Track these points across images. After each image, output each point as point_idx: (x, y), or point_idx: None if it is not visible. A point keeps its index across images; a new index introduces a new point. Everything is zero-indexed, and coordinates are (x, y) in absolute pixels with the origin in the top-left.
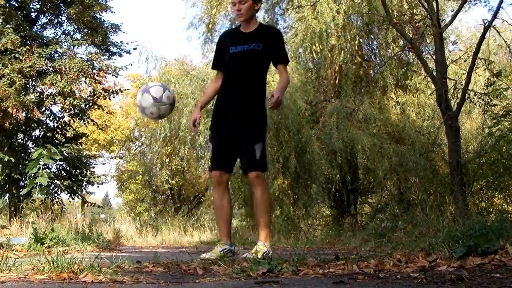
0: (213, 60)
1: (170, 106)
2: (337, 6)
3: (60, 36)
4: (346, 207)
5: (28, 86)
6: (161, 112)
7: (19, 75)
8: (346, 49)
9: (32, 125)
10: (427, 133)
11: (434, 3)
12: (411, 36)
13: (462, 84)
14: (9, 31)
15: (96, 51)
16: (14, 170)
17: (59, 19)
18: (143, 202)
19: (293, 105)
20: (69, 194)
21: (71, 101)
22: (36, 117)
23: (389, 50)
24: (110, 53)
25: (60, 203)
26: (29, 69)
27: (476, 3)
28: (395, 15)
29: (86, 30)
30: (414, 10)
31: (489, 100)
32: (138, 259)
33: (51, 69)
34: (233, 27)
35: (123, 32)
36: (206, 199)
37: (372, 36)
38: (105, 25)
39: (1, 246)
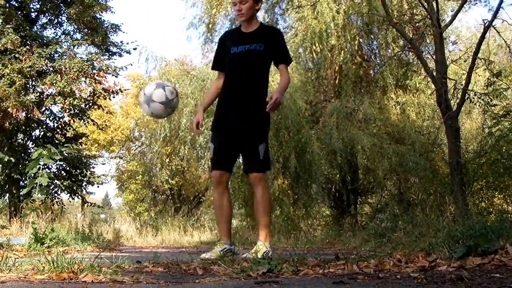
0: (213, 60)
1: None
2: (337, 6)
3: (60, 36)
4: (346, 207)
5: (28, 86)
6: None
7: (19, 75)
8: (346, 49)
9: (32, 125)
10: (427, 133)
11: (434, 3)
12: (411, 36)
13: (462, 84)
14: (9, 31)
15: (96, 51)
16: (14, 170)
17: (59, 19)
18: (143, 202)
19: (293, 105)
20: (69, 194)
21: (71, 101)
22: (36, 117)
23: (389, 50)
24: (110, 53)
25: (60, 203)
26: (29, 69)
27: (476, 3)
28: (395, 15)
29: (86, 30)
30: (414, 10)
31: (489, 100)
32: (138, 259)
33: (51, 69)
34: (233, 27)
35: (123, 32)
36: (206, 199)
37: (372, 36)
38: (105, 25)
39: (1, 246)
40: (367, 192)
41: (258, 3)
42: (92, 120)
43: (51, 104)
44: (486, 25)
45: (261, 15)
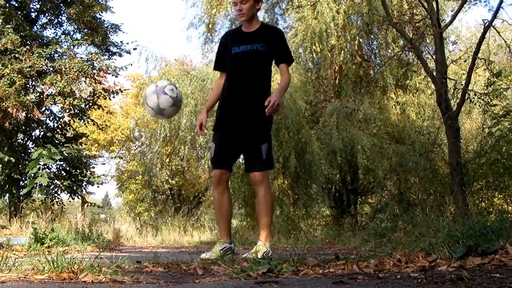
0: (215, 61)
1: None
2: (337, 6)
3: (60, 36)
4: (346, 207)
5: (28, 86)
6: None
7: (19, 75)
8: (346, 49)
9: (32, 125)
10: (427, 133)
11: (434, 3)
12: (411, 36)
13: (462, 84)
14: (9, 31)
15: (96, 51)
16: (14, 170)
17: (59, 19)
18: (143, 202)
19: (293, 105)
20: (69, 194)
21: (71, 101)
22: (36, 117)
23: (389, 50)
24: (110, 53)
25: (60, 203)
26: (29, 69)
27: (476, 3)
28: (395, 15)
29: (86, 30)
30: (414, 10)
31: (489, 100)
32: (138, 259)
33: (51, 69)
34: (233, 27)
35: (123, 32)
36: (206, 199)
37: (372, 36)
38: (105, 25)
39: (1, 246)
40: (367, 192)
41: (258, 3)
42: (92, 120)
43: (51, 104)
44: (486, 25)
45: (261, 15)
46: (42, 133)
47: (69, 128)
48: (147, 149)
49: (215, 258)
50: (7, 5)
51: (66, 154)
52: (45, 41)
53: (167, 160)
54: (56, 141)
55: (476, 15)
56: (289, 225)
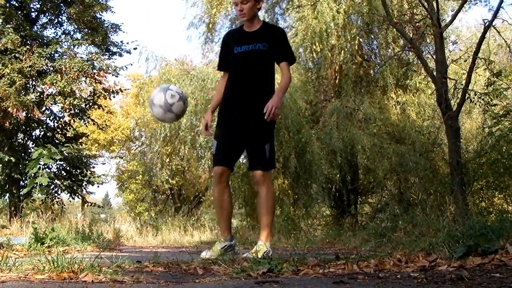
0: (218, 61)
1: (180, 102)
2: (337, 6)
3: (60, 36)
4: (346, 207)
5: (28, 86)
6: (175, 112)
7: (19, 75)
8: (346, 49)
9: (32, 125)
10: (427, 133)
11: (434, 3)
12: (411, 36)
13: (462, 84)
14: (9, 31)
15: (96, 51)
16: (14, 170)
17: (59, 19)
18: (143, 202)
19: (293, 105)
20: (69, 194)
21: (71, 101)
22: (36, 117)
23: (389, 50)
24: (110, 53)
25: (60, 203)
26: (29, 69)
27: (476, 3)
28: (395, 15)
29: (86, 30)
30: (414, 10)
31: (489, 100)
32: (138, 259)
33: (51, 69)
34: (234, 27)
35: (123, 32)
36: (206, 199)
37: (372, 36)
38: (105, 25)
39: (1, 246)
40: (367, 192)
41: (259, 2)
42: (92, 120)
43: (51, 104)
44: (486, 25)
45: (261, 15)
46: (42, 133)
47: (69, 128)
48: (147, 149)
49: (216, 257)
50: (7, 5)
51: (66, 154)
52: (45, 41)
53: (167, 160)
54: (56, 141)
55: (476, 15)
56: (289, 225)
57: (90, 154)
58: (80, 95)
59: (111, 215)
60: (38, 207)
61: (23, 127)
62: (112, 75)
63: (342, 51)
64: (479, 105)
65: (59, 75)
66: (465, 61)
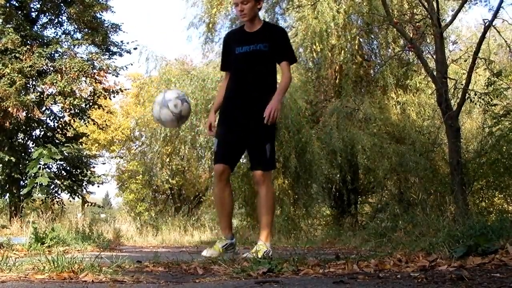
0: (221, 62)
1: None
2: (338, 6)
3: (60, 36)
4: (346, 207)
5: (29, 85)
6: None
7: (20, 75)
8: (346, 49)
9: (33, 124)
10: (427, 132)
11: (434, 3)
12: (411, 35)
13: (462, 84)
14: (9, 30)
15: (97, 51)
16: (15, 170)
17: (60, 19)
18: (144, 201)
19: (293, 105)
20: (69, 194)
21: (72, 101)
22: (37, 116)
23: (390, 50)
24: (111, 52)
25: (60, 202)
26: (30, 68)
27: (477, 3)
28: (396, 15)
29: (86, 29)
30: (415, 10)
31: (489, 100)
32: (138, 258)
33: (52, 68)
34: (234, 27)
35: (124, 32)
36: (207, 199)
37: (373, 36)
38: (106, 25)
39: (1, 246)
40: (367, 192)
41: (259, 2)
42: (93, 120)
43: (52, 104)
44: (486, 24)
45: (261, 15)
46: (42, 132)
47: (70, 128)
48: (147, 148)
49: (217, 255)
50: (8, 4)
51: (67, 154)
52: (45, 41)
53: (168, 159)
54: (57, 141)
55: (477, 14)
56: (289, 225)
57: (90, 154)
58: (80, 95)
59: (111, 215)
60: (38, 207)
61: (23, 127)
62: (112, 75)
63: (342, 51)
64: (479, 105)
65: (59, 75)
66: (465, 61)
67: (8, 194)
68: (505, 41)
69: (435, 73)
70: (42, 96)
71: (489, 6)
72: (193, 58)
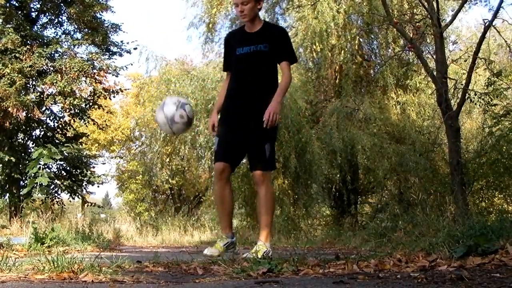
0: (223, 62)
1: (183, 126)
2: (338, 6)
3: (60, 36)
4: (346, 207)
5: (29, 85)
6: (174, 130)
7: (20, 75)
8: (346, 49)
9: (33, 124)
10: (427, 133)
11: (434, 3)
12: (411, 35)
13: (462, 84)
14: (9, 30)
15: (97, 51)
16: (14, 170)
17: (60, 19)
18: (143, 202)
19: (293, 104)
20: (69, 194)
21: (72, 101)
22: (37, 116)
23: (390, 50)
24: (111, 52)
25: (60, 203)
26: (30, 68)
27: (477, 3)
28: (396, 15)
29: (86, 29)
30: (415, 10)
31: (489, 100)
32: (138, 259)
33: (52, 68)
34: (234, 27)
35: (124, 32)
36: (207, 199)
37: (373, 36)
38: (106, 25)
39: (1, 246)
40: (367, 192)
41: (260, 3)
42: (93, 120)
43: (52, 104)
44: (486, 24)
45: (261, 15)
46: (42, 132)
47: (70, 128)
48: (147, 148)
49: (218, 254)
50: (8, 4)
51: (67, 154)
52: (45, 41)
53: (167, 160)
54: (57, 141)
55: (476, 15)
56: (289, 225)
57: (90, 154)
58: (80, 95)
59: (111, 215)
60: (38, 207)
61: (23, 127)
62: (112, 75)
63: (342, 51)
64: (479, 105)
65: (59, 75)
66: (465, 61)
67: (8, 194)
68: (505, 41)
69: (435, 73)
70: (42, 96)
71: (489, 6)
72: (193, 58)
